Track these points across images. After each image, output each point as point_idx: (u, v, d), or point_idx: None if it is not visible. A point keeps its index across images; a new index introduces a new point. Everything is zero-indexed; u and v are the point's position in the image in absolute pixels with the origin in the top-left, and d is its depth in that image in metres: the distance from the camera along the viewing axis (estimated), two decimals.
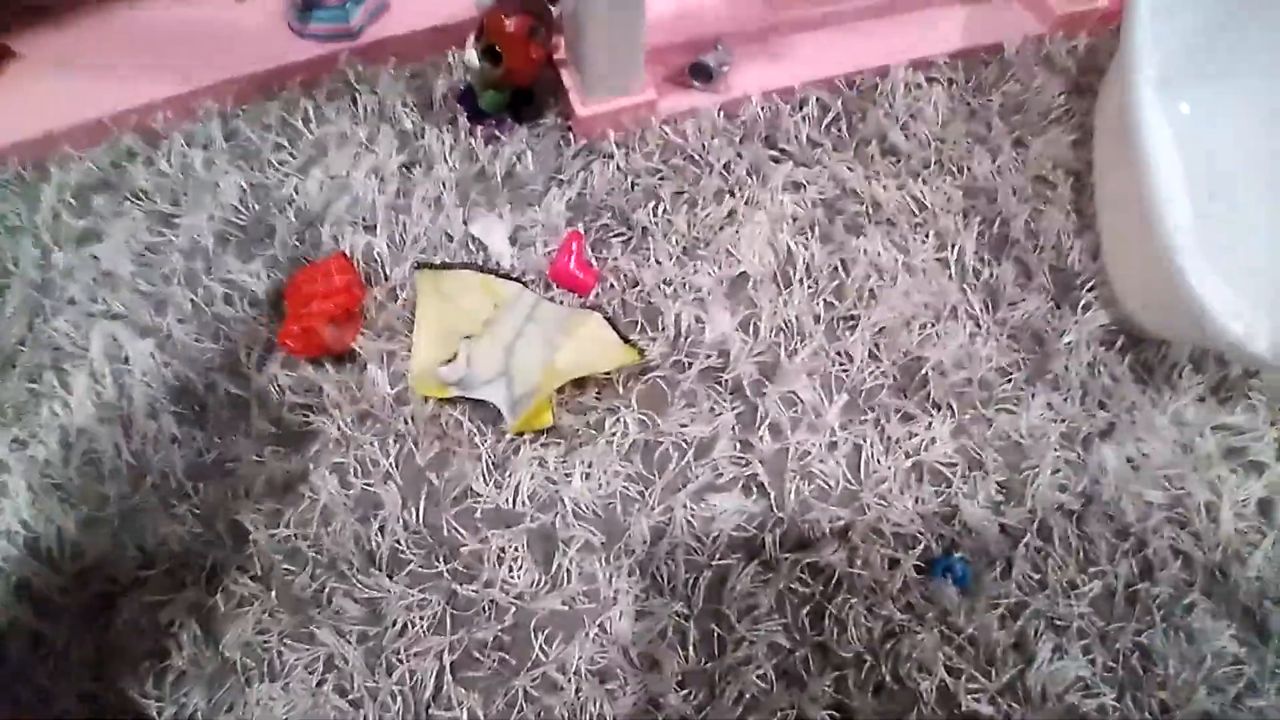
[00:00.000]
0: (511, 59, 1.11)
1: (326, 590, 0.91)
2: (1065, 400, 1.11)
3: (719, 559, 0.96)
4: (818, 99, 1.27)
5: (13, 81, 1.24)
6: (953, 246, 1.19)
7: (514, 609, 0.91)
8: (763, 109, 1.26)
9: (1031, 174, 1.26)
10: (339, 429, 1.00)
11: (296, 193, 1.18)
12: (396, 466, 0.98)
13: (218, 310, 1.10)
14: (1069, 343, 1.14)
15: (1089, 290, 1.19)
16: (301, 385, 1.03)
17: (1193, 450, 1.12)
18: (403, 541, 0.93)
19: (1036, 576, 1.01)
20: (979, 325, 1.14)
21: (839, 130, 1.26)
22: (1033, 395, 1.11)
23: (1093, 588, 1.02)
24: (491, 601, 0.91)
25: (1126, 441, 1.10)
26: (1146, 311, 1.14)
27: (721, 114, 1.25)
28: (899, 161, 1.25)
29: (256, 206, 1.17)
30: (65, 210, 1.18)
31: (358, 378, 1.03)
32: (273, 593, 0.91)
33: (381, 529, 0.94)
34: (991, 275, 1.18)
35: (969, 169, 1.25)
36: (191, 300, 1.10)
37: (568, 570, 0.93)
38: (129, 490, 0.97)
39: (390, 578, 0.92)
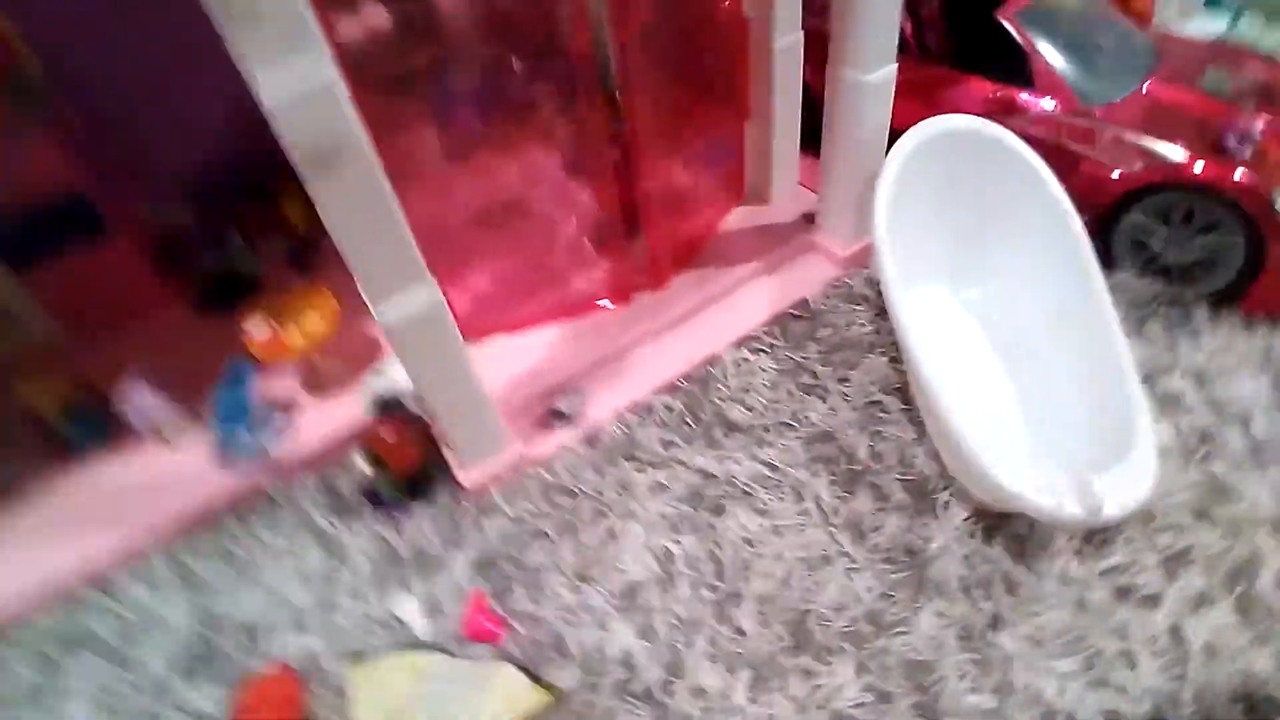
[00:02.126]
0: (393, 461, 1.41)
1: None
2: (951, 602, 1.24)
3: None
4: (664, 404, 1.56)
5: None
6: (811, 496, 1.38)
7: None
8: (619, 428, 1.53)
9: (861, 403, 1.49)
10: None
11: (235, 609, 1.43)
12: None
13: None
14: (939, 547, 1.29)
15: (943, 490, 1.36)
16: None
17: (1088, 606, 1.22)
18: None
19: None
20: (853, 560, 1.31)
21: (687, 424, 1.53)
22: (919, 609, 1.24)
23: None
24: None
25: (1020, 621, 1.21)
26: (983, 492, 1.30)
27: (585, 444, 1.52)
28: (743, 434, 1.49)
29: (202, 629, 1.42)
30: (33, 671, 1.41)
31: None
32: None
33: None
34: (851, 510, 1.36)
35: (806, 418, 1.49)
36: None
37: None
38: None
39: None
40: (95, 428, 1.75)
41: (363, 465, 1.46)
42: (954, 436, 1.25)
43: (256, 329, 1.64)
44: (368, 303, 1.17)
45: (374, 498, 1.53)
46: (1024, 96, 1.73)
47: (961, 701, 1.15)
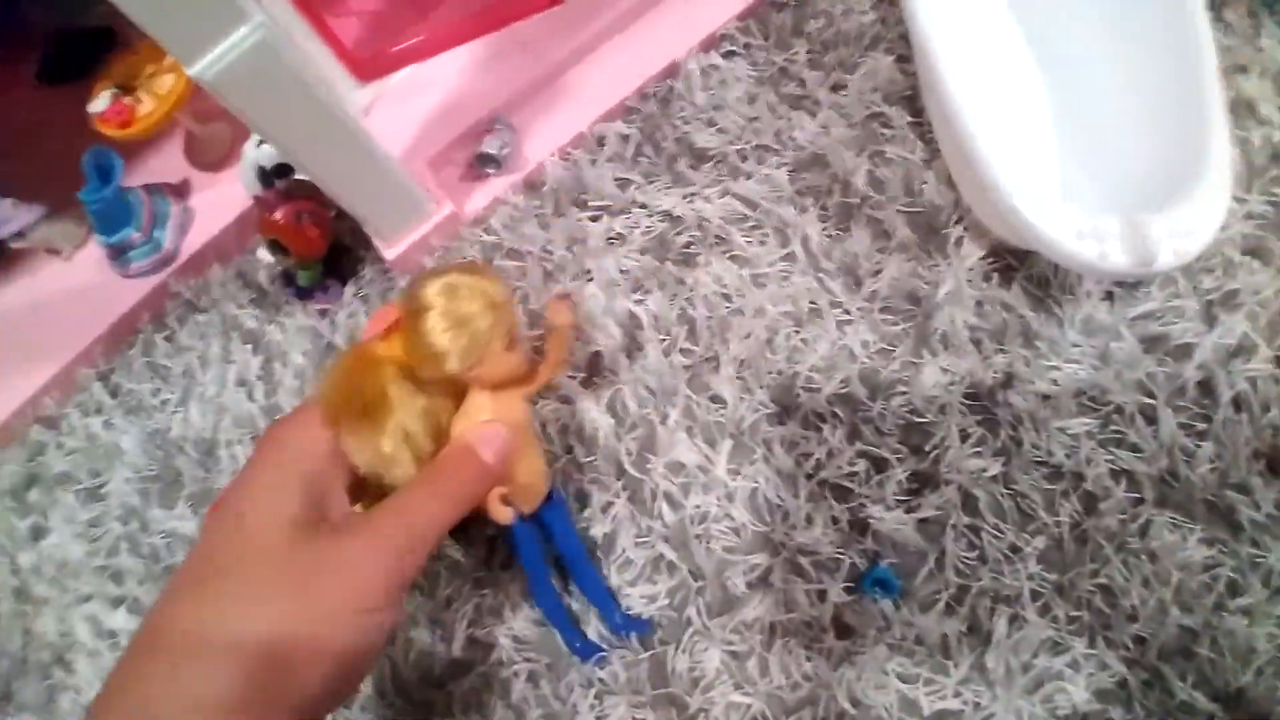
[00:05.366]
0: (294, 246, 1.19)
1: None
2: (959, 357, 1.12)
3: (654, 647, 1.05)
4: (615, 133, 1.29)
5: None
6: (797, 237, 1.19)
7: None
8: (563, 168, 1.28)
9: (860, 116, 1.25)
10: None
11: (185, 427, 1.31)
12: None
13: (166, 563, 1.25)
14: (948, 292, 1.14)
15: (956, 223, 1.18)
16: None
17: (1111, 358, 1.10)
18: None
19: (972, 555, 1.05)
20: (847, 312, 1.16)
21: (645, 156, 1.28)
22: (921, 366, 1.12)
23: (1036, 545, 1.05)
24: None
25: (1035, 379, 1.10)
26: (1008, 232, 1.12)
27: (524, 192, 1.28)
28: (715, 164, 1.25)
29: (160, 453, 1.32)
30: (11, 515, 1.36)
31: None
32: None
33: None
34: (845, 251, 1.18)
35: (792, 139, 1.25)
36: (142, 561, 1.26)
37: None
38: None
39: None
40: None
41: (265, 255, 1.24)
42: (975, 161, 1.03)
43: (97, 102, 1.33)
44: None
45: (294, 285, 1.31)
46: None
47: (963, 466, 1.08)
